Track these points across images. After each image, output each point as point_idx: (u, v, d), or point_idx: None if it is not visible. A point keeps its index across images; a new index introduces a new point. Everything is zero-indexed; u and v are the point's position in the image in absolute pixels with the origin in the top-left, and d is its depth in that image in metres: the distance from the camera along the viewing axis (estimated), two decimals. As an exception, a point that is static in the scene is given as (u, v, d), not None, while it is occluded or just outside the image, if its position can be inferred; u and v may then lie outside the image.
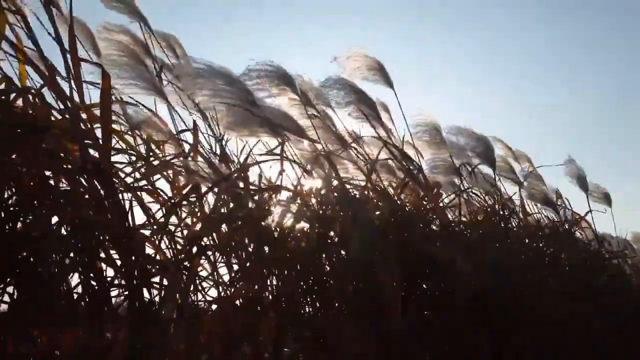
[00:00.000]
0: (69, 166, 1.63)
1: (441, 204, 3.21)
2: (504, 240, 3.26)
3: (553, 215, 3.82)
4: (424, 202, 3.06)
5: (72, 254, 1.61)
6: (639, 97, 12.87)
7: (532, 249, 3.39)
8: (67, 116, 1.68)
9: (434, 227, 3.04)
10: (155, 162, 1.94)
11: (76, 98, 1.75)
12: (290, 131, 2.82)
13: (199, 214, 2.04)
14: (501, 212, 3.38)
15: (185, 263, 1.92)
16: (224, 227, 2.15)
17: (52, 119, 1.68)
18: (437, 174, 3.46)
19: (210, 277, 2.05)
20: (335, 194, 2.68)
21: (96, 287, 1.64)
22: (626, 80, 12.74)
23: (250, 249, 2.24)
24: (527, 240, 3.44)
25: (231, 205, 2.20)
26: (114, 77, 2.16)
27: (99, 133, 1.75)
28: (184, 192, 1.98)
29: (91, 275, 1.62)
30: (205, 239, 2.03)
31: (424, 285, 2.81)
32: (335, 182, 2.75)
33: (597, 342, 3.24)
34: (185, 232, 1.99)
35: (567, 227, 3.75)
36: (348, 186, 2.81)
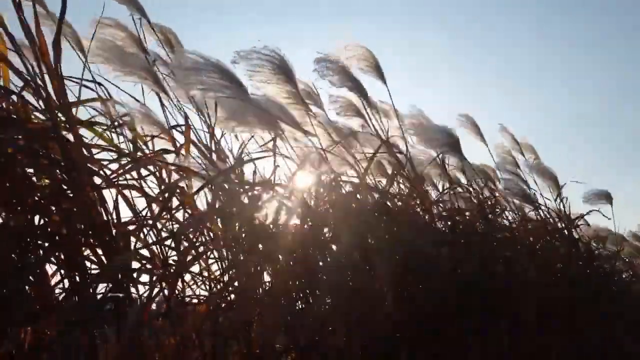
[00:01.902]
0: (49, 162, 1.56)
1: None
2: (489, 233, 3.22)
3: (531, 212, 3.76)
4: (414, 196, 3.00)
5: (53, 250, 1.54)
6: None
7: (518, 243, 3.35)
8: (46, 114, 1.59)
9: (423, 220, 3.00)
10: (143, 158, 1.86)
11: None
12: (285, 123, 2.75)
13: (189, 209, 1.97)
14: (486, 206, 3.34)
15: (173, 258, 1.86)
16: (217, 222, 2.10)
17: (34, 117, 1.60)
18: (422, 169, 3.40)
19: (200, 273, 1.99)
20: (328, 190, 2.63)
21: (78, 283, 1.58)
22: (626, 80, 12.59)
23: (243, 244, 2.19)
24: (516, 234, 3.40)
25: (224, 199, 2.14)
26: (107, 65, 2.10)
27: (82, 131, 1.67)
28: (171, 187, 1.90)
29: (75, 271, 1.56)
30: (197, 234, 1.97)
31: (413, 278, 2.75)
32: (328, 178, 2.69)
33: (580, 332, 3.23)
34: (174, 226, 1.92)
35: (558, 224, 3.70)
36: (341, 182, 2.75)
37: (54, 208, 1.54)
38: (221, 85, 2.40)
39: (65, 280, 1.58)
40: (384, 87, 3.21)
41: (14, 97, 1.58)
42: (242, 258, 2.13)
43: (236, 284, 2.10)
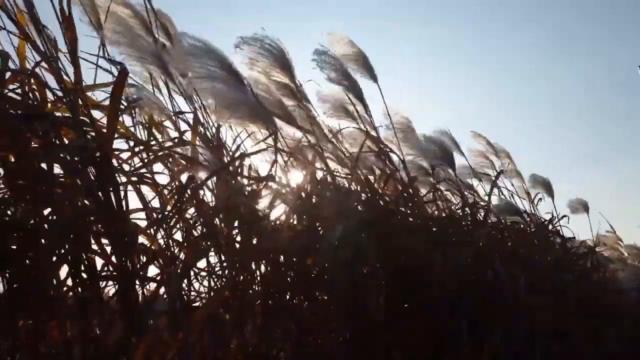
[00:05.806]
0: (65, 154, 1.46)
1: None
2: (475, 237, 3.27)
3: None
4: (405, 195, 3.01)
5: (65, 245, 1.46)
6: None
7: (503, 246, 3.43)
8: (64, 100, 1.49)
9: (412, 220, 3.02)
10: (156, 148, 1.78)
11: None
12: (281, 118, 2.70)
13: (196, 203, 1.90)
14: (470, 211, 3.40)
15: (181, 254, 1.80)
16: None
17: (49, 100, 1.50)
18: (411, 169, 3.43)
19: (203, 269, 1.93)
20: (321, 186, 2.61)
21: (86, 280, 1.50)
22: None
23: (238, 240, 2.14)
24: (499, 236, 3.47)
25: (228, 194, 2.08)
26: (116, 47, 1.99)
27: (95, 114, 1.58)
28: (184, 181, 1.83)
29: (82, 267, 1.48)
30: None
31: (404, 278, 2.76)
32: (321, 174, 2.67)
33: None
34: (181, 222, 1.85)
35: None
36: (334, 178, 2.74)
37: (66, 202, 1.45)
38: (219, 75, 2.34)
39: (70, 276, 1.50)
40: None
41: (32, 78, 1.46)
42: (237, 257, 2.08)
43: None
